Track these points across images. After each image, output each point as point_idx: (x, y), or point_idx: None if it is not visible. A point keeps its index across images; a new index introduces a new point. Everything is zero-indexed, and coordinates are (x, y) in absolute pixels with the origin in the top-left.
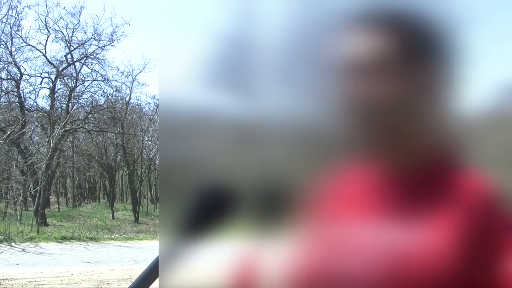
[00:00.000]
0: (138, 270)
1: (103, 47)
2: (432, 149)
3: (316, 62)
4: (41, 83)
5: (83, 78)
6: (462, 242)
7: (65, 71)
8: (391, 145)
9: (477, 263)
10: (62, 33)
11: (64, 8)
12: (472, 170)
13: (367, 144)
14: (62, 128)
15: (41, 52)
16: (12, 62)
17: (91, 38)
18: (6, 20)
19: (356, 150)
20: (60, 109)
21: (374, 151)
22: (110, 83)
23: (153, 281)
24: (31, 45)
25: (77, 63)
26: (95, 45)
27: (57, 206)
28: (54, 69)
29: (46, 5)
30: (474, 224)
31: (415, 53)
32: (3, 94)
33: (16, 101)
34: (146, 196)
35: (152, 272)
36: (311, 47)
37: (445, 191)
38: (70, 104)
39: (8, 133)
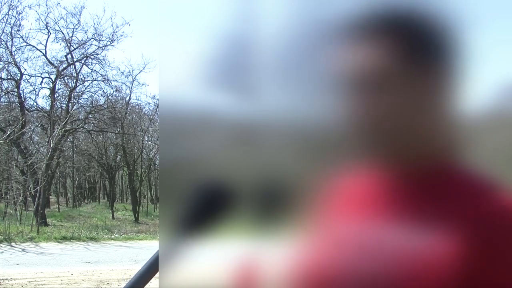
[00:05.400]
0: (138, 270)
1: (103, 47)
2: (439, 152)
3: (317, 64)
4: (41, 83)
5: (83, 78)
6: (468, 249)
7: (65, 71)
8: (397, 148)
9: (483, 270)
10: (63, 33)
11: (64, 8)
12: (480, 174)
13: (371, 146)
14: (62, 128)
15: (41, 52)
16: (12, 62)
17: (92, 38)
18: (7, 20)
19: (361, 151)
20: (60, 109)
21: (379, 154)
22: (110, 83)
23: (152, 277)
24: (31, 45)
25: (77, 63)
26: (96, 45)
27: (57, 206)
28: (54, 69)
29: (47, 5)
30: (482, 231)
31: (420, 58)
32: (3, 94)
33: (16, 101)
34: (146, 196)
35: (151, 268)
36: (312, 48)
37: (453, 195)
38: (70, 104)
39: (8, 133)
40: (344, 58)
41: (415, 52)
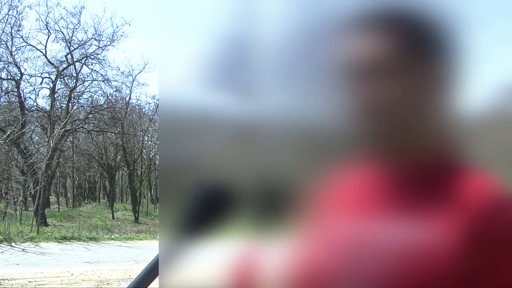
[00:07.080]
0: (138, 270)
1: (103, 47)
2: (436, 149)
3: (317, 63)
4: (41, 83)
5: (83, 78)
6: (465, 244)
7: (65, 71)
8: (395, 145)
9: (480, 266)
10: (63, 33)
11: (64, 8)
12: (477, 171)
13: (370, 144)
14: (62, 128)
15: (41, 52)
16: (12, 62)
17: (92, 38)
18: (7, 20)
19: (359, 149)
20: (60, 109)
21: (377, 151)
22: (110, 83)
23: (153, 280)
24: (31, 45)
25: (77, 63)
26: (96, 45)
27: (57, 206)
28: (54, 69)
29: (47, 5)
30: (479, 226)
31: (419, 54)
32: (3, 94)
33: (16, 101)
34: (146, 196)
35: (152, 271)
36: (312, 47)
37: (450, 191)
38: (70, 104)
39: (8, 133)
40: (345, 52)
41: (416, 47)
